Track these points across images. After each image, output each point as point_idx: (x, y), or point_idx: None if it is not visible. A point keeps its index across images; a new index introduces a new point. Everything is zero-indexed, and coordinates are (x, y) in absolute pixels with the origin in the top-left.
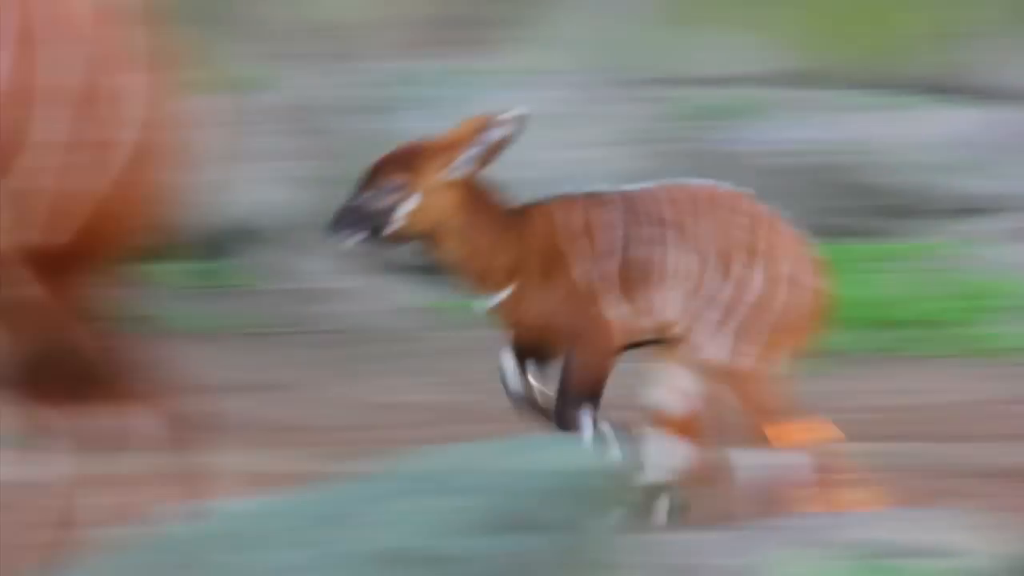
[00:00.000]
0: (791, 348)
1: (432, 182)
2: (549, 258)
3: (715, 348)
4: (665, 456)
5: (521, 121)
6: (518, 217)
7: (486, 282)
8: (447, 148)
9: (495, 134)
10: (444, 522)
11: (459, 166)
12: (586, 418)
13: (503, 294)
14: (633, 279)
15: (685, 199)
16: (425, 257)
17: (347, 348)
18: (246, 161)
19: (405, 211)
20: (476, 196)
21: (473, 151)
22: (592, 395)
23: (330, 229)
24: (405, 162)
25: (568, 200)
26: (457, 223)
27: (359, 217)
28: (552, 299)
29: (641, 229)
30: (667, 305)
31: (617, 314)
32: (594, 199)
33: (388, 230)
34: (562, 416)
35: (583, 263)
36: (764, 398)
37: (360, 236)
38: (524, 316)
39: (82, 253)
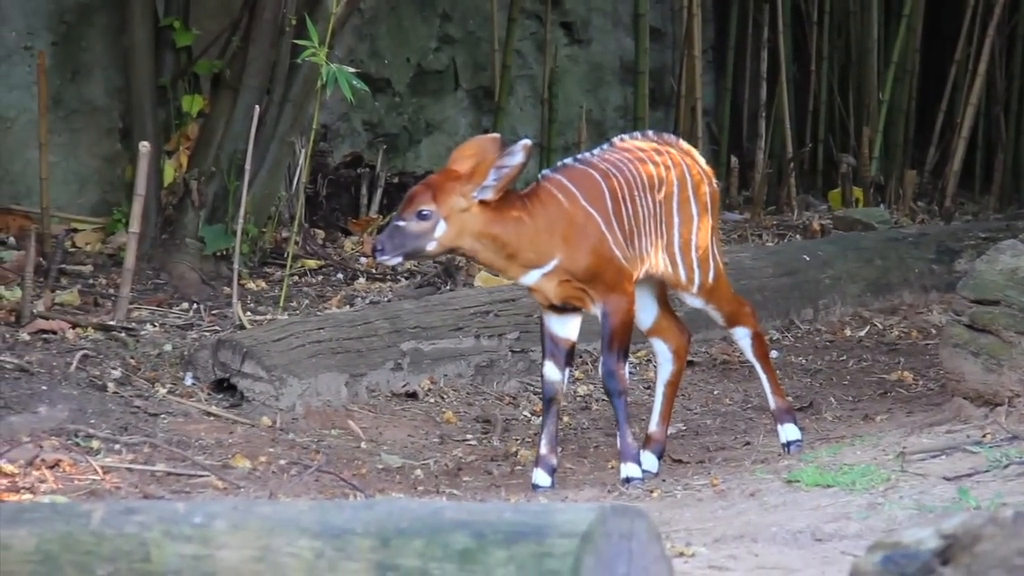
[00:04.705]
0: None
1: (455, 209)
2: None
3: None
4: None
5: (530, 150)
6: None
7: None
8: (469, 177)
9: (514, 160)
10: None
11: (480, 193)
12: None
13: (547, 268)
14: None
15: None
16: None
17: None
18: None
19: (437, 236)
20: (496, 206)
21: (491, 180)
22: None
23: (379, 250)
24: (433, 191)
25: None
26: (483, 237)
27: (401, 240)
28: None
29: None
30: None
31: None
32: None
33: (425, 251)
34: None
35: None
36: None
37: (401, 258)
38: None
39: None
